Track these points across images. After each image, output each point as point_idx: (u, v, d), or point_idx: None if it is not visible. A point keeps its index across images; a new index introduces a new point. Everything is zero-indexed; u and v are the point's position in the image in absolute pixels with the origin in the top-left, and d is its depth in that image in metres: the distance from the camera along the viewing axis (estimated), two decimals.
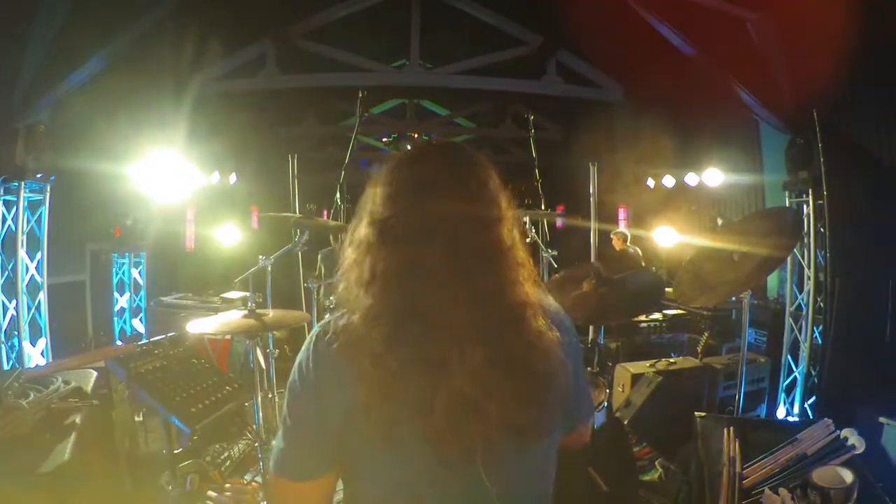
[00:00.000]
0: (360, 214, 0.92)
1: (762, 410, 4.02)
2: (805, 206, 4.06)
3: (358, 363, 0.83)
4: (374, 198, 0.90)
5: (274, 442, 0.93)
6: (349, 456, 0.89)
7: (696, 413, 2.29)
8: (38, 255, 4.11)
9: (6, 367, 3.76)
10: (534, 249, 3.83)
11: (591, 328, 4.44)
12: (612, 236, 6.25)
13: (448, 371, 0.81)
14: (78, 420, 2.12)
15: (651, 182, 7.01)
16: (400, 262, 0.84)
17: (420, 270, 0.83)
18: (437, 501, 0.87)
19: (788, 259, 3.98)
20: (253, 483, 2.77)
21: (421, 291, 0.83)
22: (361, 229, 0.90)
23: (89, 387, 2.46)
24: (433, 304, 0.83)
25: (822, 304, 4.00)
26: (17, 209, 3.89)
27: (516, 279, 0.88)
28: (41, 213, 4.10)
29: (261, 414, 2.62)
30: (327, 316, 1.02)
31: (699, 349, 3.99)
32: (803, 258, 4.14)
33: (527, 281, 0.90)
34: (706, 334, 4.13)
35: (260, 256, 2.94)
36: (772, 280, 5.23)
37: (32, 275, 4.07)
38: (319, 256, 5.71)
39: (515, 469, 0.90)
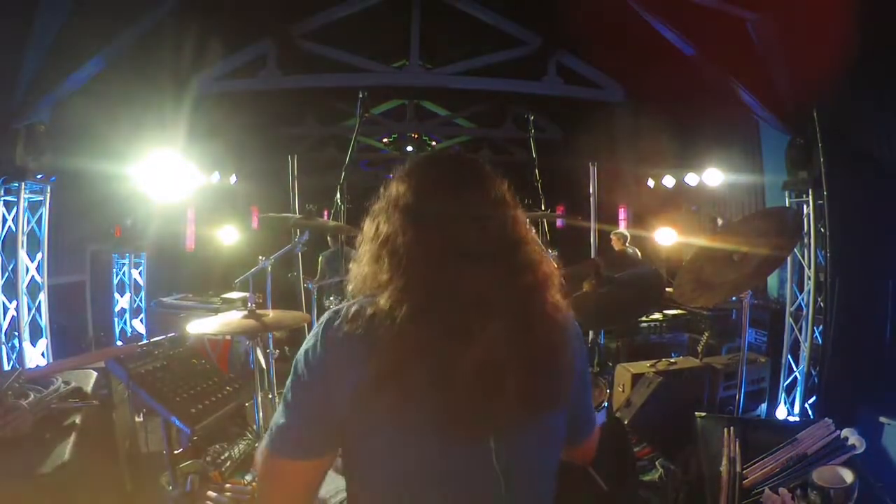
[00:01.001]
0: (380, 208, 0.98)
1: (762, 410, 4.02)
2: (805, 206, 4.06)
3: (375, 340, 0.85)
4: (399, 190, 0.96)
5: (272, 421, 0.93)
6: (354, 439, 0.89)
7: (696, 413, 2.29)
8: (39, 256, 4.11)
9: (6, 367, 3.76)
10: None
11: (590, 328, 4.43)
12: (611, 237, 6.25)
13: (470, 339, 0.85)
14: (78, 420, 2.12)
15: (651, 182, 7.01)
16: (433, 241, 0.90)
17: (452, 249, 0.89)
18: (442, 479, 0.89)
19: (788, 259, 3.98)
20: (253, 484, 2.77)
21: (452, 268, 0.88)
22: (386, 219, 0.95)
23: (89, 387, 2.46)
24: (462, 278, 0.88)
25: (822, 304, 4.00)
26: (17, 210, 3.89)
27: (538, 260, 0.97)
28: (41, 213, 4.10)
29: (261, 414, 2.63)
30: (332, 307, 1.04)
31: (699, 349, 3.98)
32: (803, 258, 4.14)
33: (545, 262, 0.98)
34: (706, 334, 4.12)
35: (260, 257, 2.94)
36: (772, 280, 5.23)
37: (33, 275, 4.07)
38: (321, 259, 5.70)
39: (522, 444, 0.92)
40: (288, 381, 0.93)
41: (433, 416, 0.84)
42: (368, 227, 0.98)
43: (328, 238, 5.66)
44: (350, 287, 0.99)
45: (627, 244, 6.23)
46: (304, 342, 0.94)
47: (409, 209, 0.93)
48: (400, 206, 0.94)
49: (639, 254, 6.22)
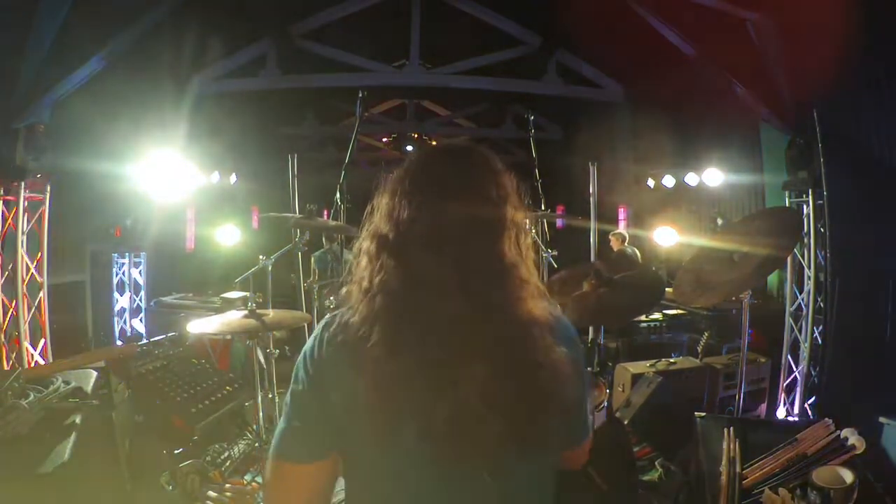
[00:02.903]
0: (365, 225, 0.93)
1: (762, 410, 4.02)
2: (805, 206, 4.06)
3: (360, 362, 0.83)
4: (378, 209, 0.92)
5: (276, 429, 0.93)
6: (350, 450, 0.89)
7: (696, 413, 2.29)
8: (39, 256, 4.10)
9: (6, 367, 3.76)
10: (533, 250, 3.83)
11: (591, 328, 4.43)
12: (609, 237, 6.25)
13: (452, 380, 0.81)
14: (78, 420, 2.11)
15: (651, 182, 7.01)
16: (400, 275, 0.85)
17: (421, 285, 0.84)
18: (438, 496, 0.88)
19: (788, 259, 3.98)
20: (253, 483, 2.77)
21: (422, 304, 0.83)
22: (366, 240, 0.91)
23: (89, 387, 2.46)
24: (437, 315, 0.83)
25: (822, 304, 4.00)
26: (17, 209, 3.89)
27: (521, 296, 0.88)
28: (41, 213, 4.10)
29: (261, 414, 2.62)
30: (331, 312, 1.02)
31: (699, 349, 3.99)
32: (803, 258, 4.14)
33: (532, 297, 0.89)
34: (706, 334, 4.12)
35: (260, 256, 2.94)
36: (772, 280, 5.23)
37: (33, 275, 4.07)
38: (312, 259, 5.71)
39: (516, 475, 0.90)
40: (290, 388, 0.93)
41: (419, 441, 0.82)
42: (358, 238, 0.94)
43: (323, 238, 5.66)
44: (342, 291, 0.96)
45: (626, 244, 6.22)
46: (304, 347, 0.93)
47: (381, 233, 0.89)
48: (376, 228, 0.90)
49: (638, 254, 6.22)
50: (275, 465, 0.91)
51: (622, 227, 7.15)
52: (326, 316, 0.95)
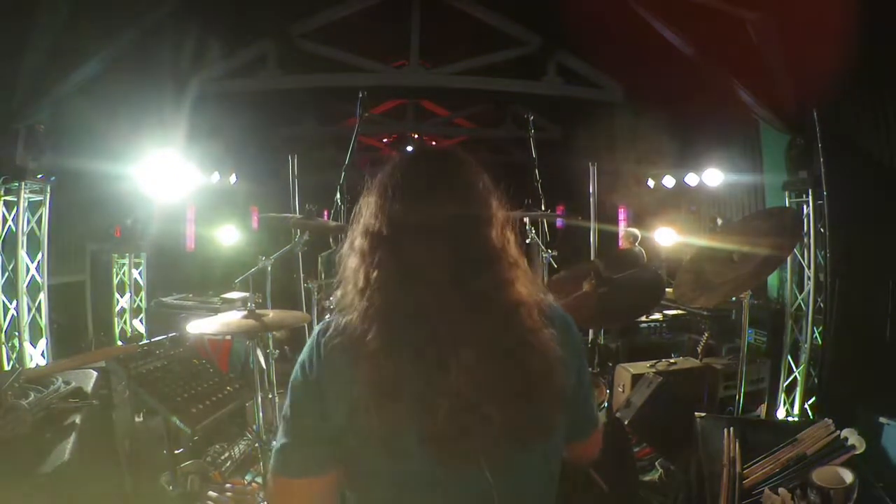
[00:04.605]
0: (356, 222, 0.94)
1: (762, 410, 4.02)
2: (805, 206, 4.06)
3: (358, 365, 0.83)
4: (367, 207, 0.93)
5: (274, 442, 0.92)
6: (351, 457, 0.88)
7: (696, 413, 2.29)
8: (39, 256, 4.10)
9: (6, 367, 3.76)
10: (534, 250, 3.84)
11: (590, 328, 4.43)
12: (622, 232, 6.29)
13: (446, 374, 0.82)
14: (78, 420, 2.11)
15: (651, 182, 7.01)
16: (394, 269, 0.86)
17: (414, 277, 0.85)
18: (436, 497, 0.87)
19: (788, 259, 3.98)
20: (253, 483, 2.77)
21: (416, 297, 0.84)
22: (357, 238, 0.92)
23: (89, 387, 2.46)
24: (429, 308, 0.84)
25: (822, 304, 4.00)
26: (17, 209, 3.89)
27: (510, 279, 0.90)
28: (41, 213, 4.10)
29: (261, 414, 2.62)
30: (328, 316, 1.02)
31: (699, 349, 3.99)
32: (803, 258, 4.14)
33: (519, 280, 0.91)
34: (706, 334, 4.12)
35: (260, 257, 2.94)
36: (772, 280, 5.23)
37: (33, 275, 4.07)
38: (319, 259, 5.72)
39: (517, 470, 0.90)
40: (287, 400, 0.92)
41: (422, 440, 0.83)
42: (349, 236, 0.96)
43: (330, 238, 5.67)
44: (339, 294, 0.97)
45: (637, 244, 6.23)
46: (300, 356, 0.92)
47: (372, 229, 0.90)
48: (367, 224, 0.91)
49: (644, 254, 6.20)
50: (277, 481, 0.90)
51: (634, 229, 7.13)
52: (319, 325, 0.95)
